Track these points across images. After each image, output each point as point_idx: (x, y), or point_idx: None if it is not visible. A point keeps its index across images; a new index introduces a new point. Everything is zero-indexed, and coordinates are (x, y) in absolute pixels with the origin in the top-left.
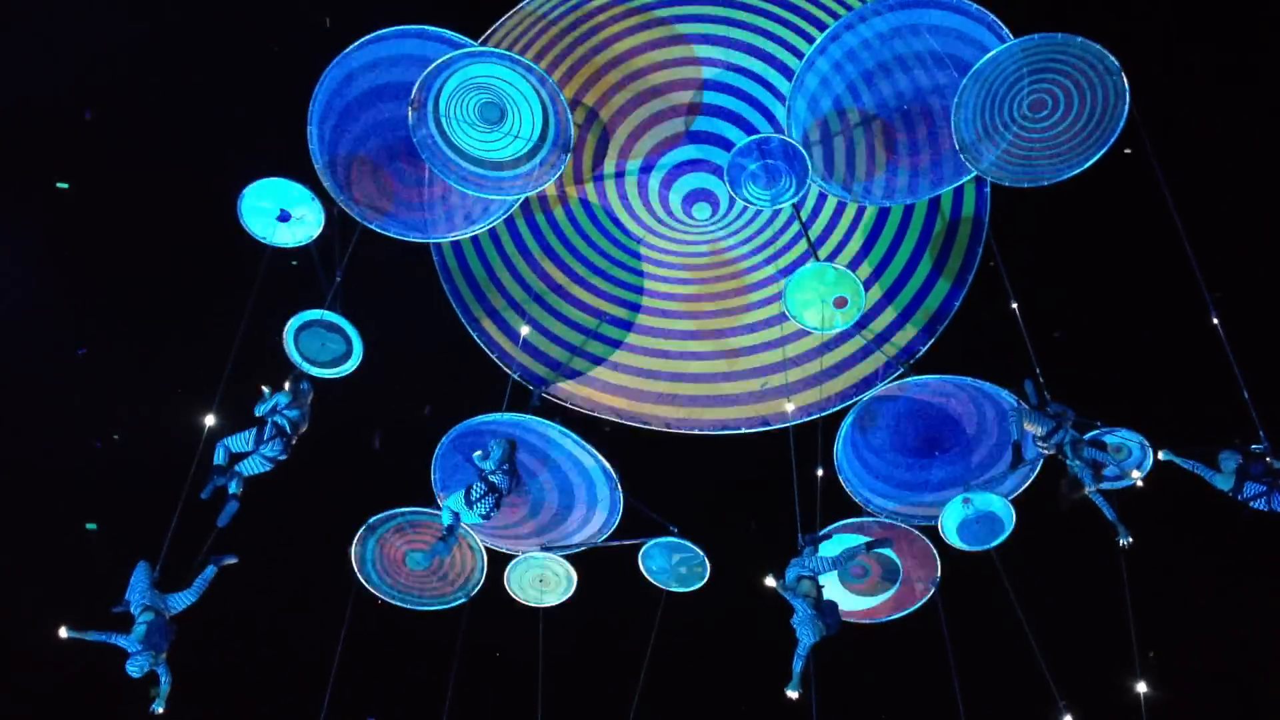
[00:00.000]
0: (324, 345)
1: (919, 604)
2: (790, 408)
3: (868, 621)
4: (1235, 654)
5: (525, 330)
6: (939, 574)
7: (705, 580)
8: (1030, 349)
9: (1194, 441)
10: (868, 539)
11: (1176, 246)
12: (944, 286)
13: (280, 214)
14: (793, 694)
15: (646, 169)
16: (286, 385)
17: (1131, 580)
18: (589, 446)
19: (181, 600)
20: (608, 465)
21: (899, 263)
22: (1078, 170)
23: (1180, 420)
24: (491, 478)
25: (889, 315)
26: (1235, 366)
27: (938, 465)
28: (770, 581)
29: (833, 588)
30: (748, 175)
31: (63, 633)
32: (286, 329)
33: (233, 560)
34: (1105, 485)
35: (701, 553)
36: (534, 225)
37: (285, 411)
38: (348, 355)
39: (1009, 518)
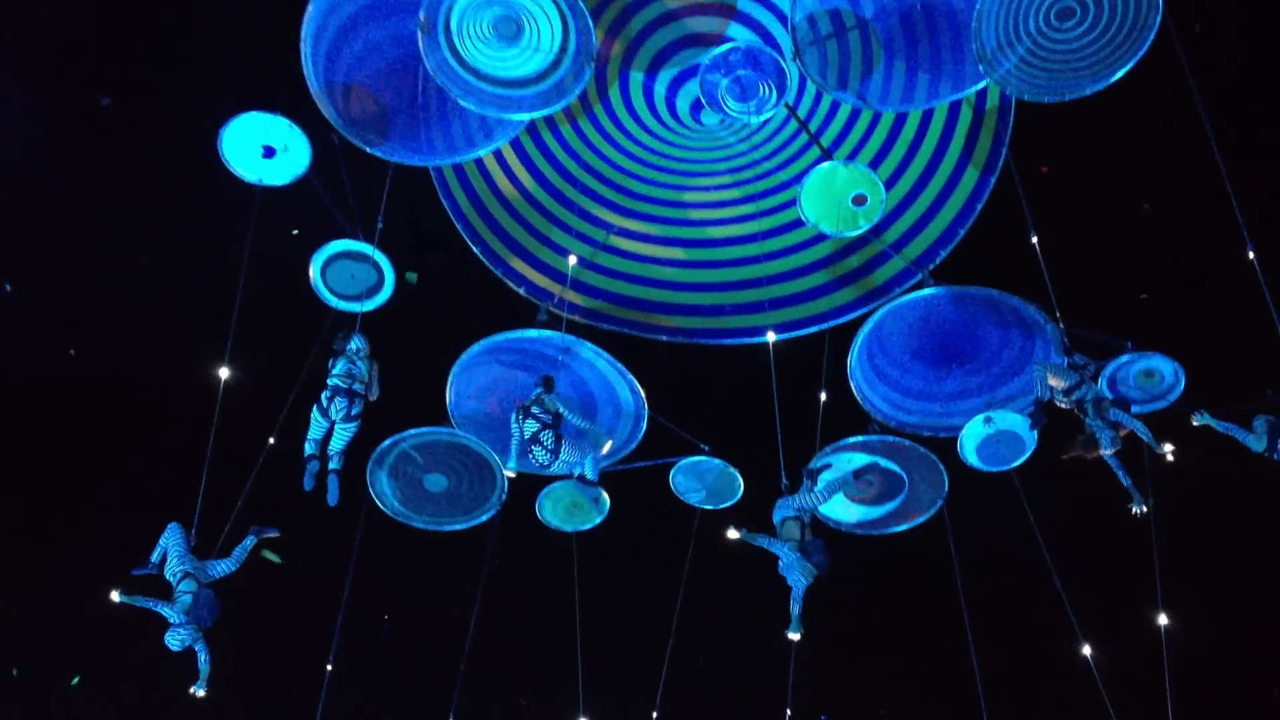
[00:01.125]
0: (353, 277)
1: (925, 516)
2: (771, 337)
3: (875, 533)
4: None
5: (573, 260)
6: (946, 485)
7: (739, 496)
8: (1049, 283)
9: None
10: (856, 466)
11: (1212, 170)
12: (973, 175)
13: (264, 150)
14: (794, 636)
15: (652, 74)
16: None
17: (1155, 509)
18: (618, 363)
19: (221, 568)
20: (635, 381)
21: (925, 153)
22: (1104, 84)
23: (1211, 361)
24: (525, 428)
25: (914, 213)
26: (1272, 306)
27: (954, 376)
28: (733, 533)
29: (836, 501)
30: (724, 91)
31: (115, 597)
32: (313, 263)
33: (274, 533)
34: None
35: (733, 468)
36: (537, 137)
37: (333, 371)
38: (380, 285)
39: (1031, 438)
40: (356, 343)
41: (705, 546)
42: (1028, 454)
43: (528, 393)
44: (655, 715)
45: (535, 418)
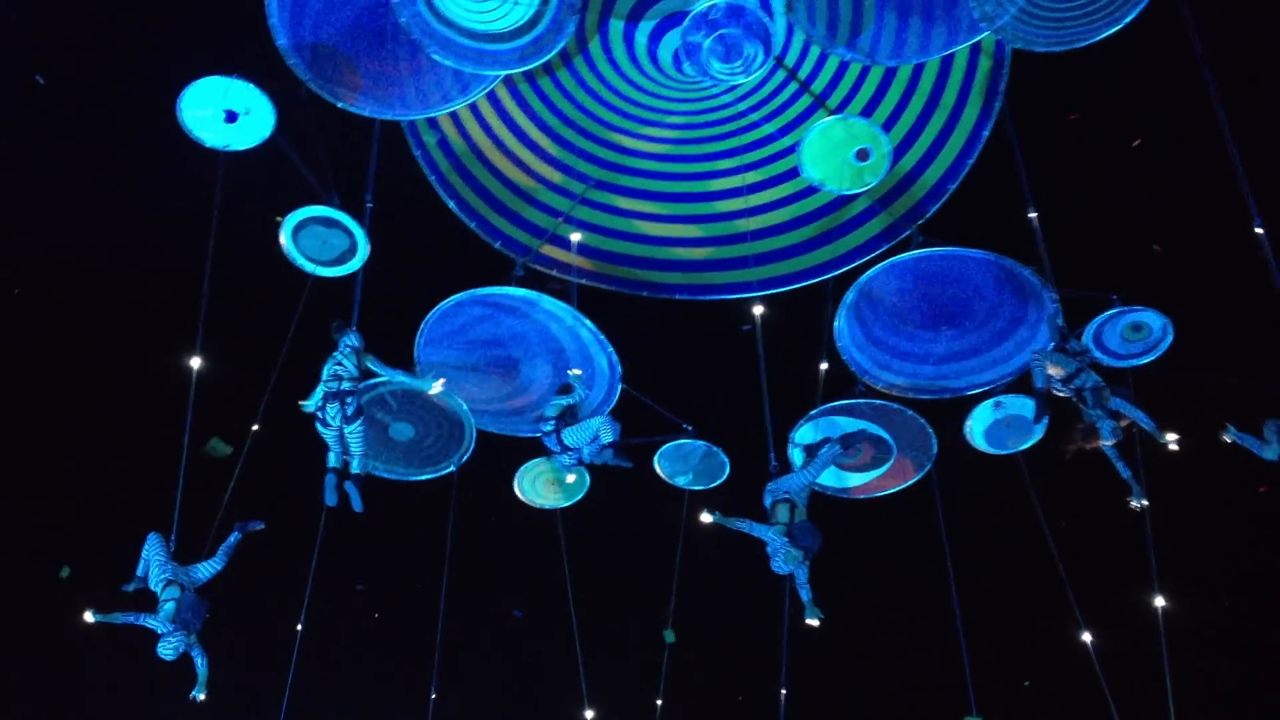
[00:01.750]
0: (325, 243)
1: (915, 478)
2: (758, 310)
3: (863, 497)
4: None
5: (577, 237)
6: (934, 450)
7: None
8: (1045, 255)
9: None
10: (844, 433)
11: (1215, 133)
12: (966, 128)
13: (226, 115)
14: (813, 622)
15: (632, 23)
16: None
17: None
18: (599, 333)
19: (207, 569)
20: (614, 354)
21: (916, 105)
22: (1113, 29)
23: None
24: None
25: (904, 167)
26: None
27: (946, 338)
28: (706, 518)
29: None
30: (707, 53)
31: (88, 618)
32: (284, 230)
33: (259, 526)
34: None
35: (716, 448)
36: (513, 89)
37: (322, 377)
38: (352, 250)
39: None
40: (351, 339)
41: (694, 522)
42: (1036, 438)
43: (502, 350)
44: (659, 703)
45: (544, 435)
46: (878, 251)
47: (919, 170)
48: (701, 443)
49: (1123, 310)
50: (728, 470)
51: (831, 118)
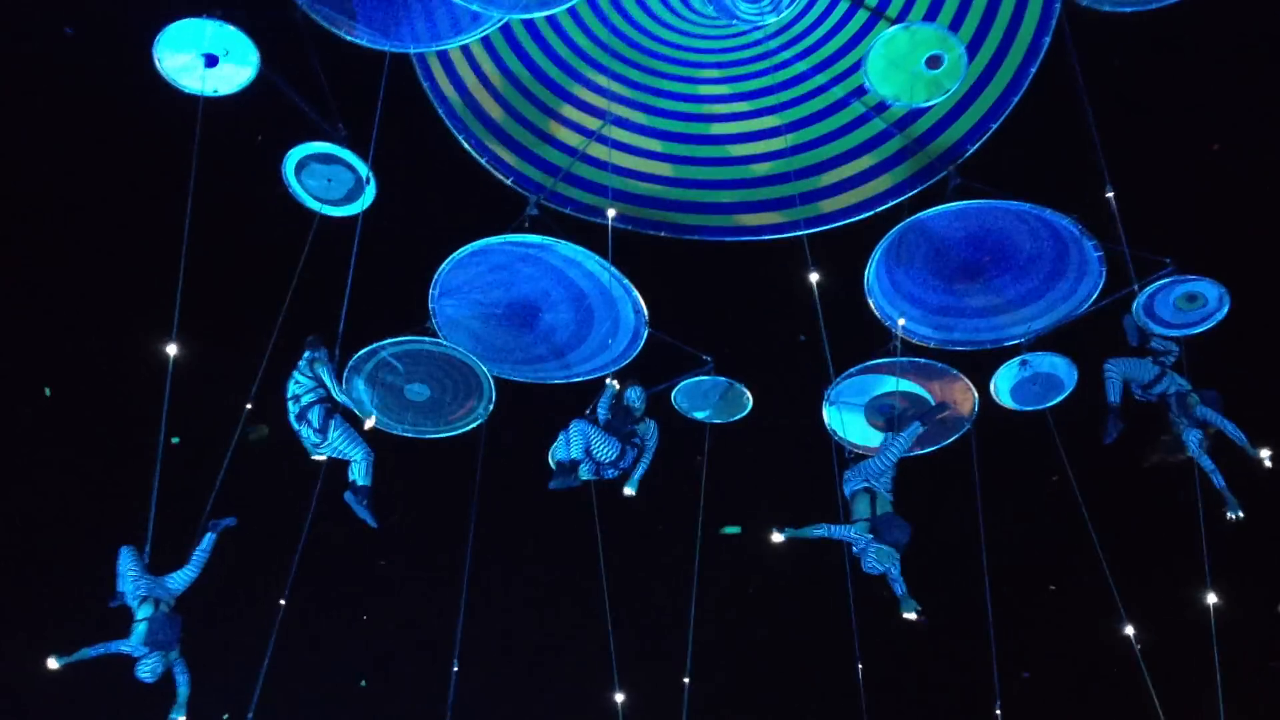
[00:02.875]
0: (330, 182)
1: (952, 439)
2: (814, 277)
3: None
4: None
5: (612, 213)
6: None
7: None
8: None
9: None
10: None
11: None
12: (1012, 64)
13: (206, 59)
14: (910, 615)
15: None
16: None
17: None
18: (624, 279)
19: (182, 579)
20: (639, 299)
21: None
22: None
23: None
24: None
25: (946, 103)
26: None
27: (977, 292)
28: (777, 537)
29: (860, 428)
30: None
31: (51, 664)
32: (285, 168)
33: (231, 522)
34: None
35: (738, 384)
36: (528, 22)
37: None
38: (359, 186)
39: (1071, 378)
40: (310, 352)
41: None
42: (1067, 393)
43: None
44: (687, 681)
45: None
46: (915, 191)
47: (962, 105)
48: (722, 378)
49: (1176, 279)
50: (749, 405)
51: (893, 28)
